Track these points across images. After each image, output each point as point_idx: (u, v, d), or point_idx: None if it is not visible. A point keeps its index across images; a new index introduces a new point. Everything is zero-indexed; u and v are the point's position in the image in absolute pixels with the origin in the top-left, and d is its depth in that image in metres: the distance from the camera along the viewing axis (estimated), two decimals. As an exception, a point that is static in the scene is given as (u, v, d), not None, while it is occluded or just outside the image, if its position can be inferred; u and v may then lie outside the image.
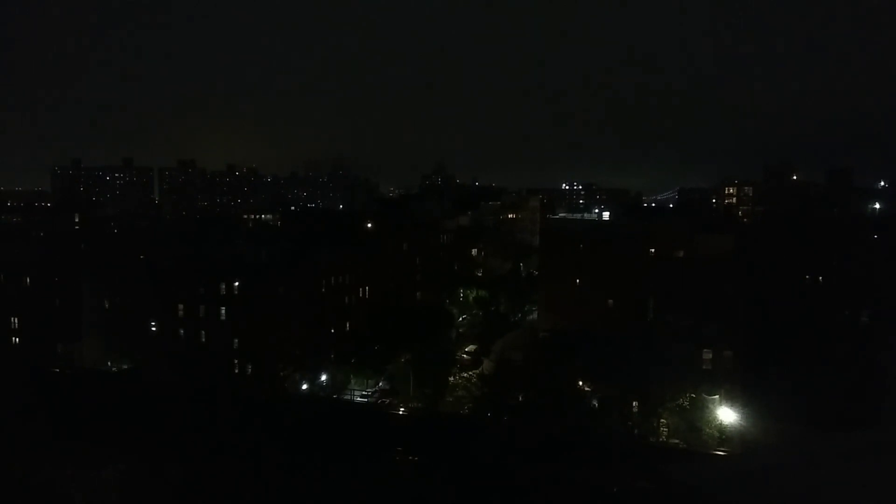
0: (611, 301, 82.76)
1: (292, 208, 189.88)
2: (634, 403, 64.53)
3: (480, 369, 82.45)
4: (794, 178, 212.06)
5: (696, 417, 62.60)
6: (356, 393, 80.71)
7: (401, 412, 69.23)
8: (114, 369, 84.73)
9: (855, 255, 73.24)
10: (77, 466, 57.94)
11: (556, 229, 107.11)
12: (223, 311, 78.33)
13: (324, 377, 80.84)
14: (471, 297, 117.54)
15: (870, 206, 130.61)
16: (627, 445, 58.77)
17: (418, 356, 76.93)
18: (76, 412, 66.71)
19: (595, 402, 66.48)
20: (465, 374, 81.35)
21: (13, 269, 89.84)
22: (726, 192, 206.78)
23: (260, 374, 74.89)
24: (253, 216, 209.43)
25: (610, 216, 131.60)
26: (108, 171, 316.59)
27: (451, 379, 78.68)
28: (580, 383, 68.55)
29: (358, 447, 60.63)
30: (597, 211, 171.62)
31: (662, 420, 64.28)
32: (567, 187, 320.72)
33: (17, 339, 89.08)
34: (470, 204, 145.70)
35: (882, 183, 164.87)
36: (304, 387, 78.92)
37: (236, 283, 78.39)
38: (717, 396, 65.30)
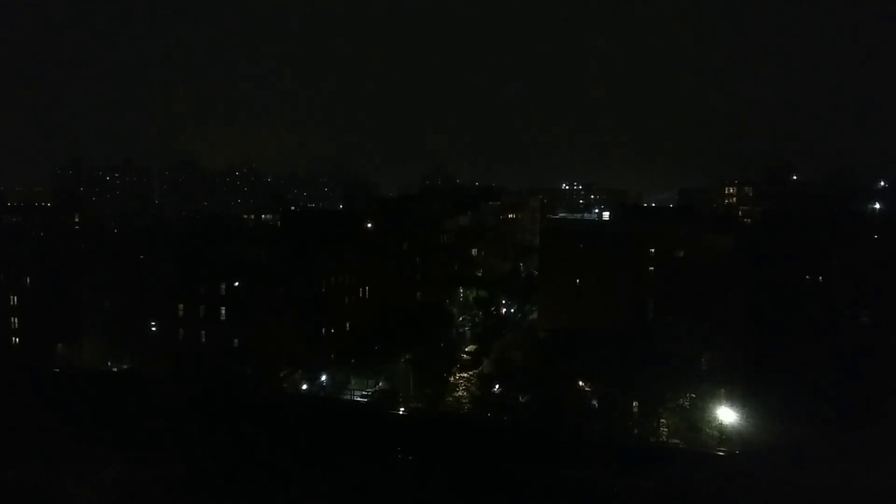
0: (611, 301, 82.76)
1: (292, 208, 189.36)
2: (634, 403, 64.58)
3: (480, 369, 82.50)
4: (794, 178, 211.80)
5: (696, 417, 62.62)
6: (356, 393, 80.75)
7: (401, 412, 69.26)
8: (114, 369, 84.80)
9: (855, 255, 73.19)
10: (77, 466, 58.01)
11: (556, 229, 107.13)
12: (223, 311, 78.38)
13: (324, 377, 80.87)
14: (471, 297, 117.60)
15: (870, 206, 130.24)
16: (627, 445, 58.87)
17: (418, 356, 76.94)
18: (76, 412, 66.77)
19: (595, 402, 66.51)
20: (465, 374, 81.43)
21: (13, 270, 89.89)
22: (726, 192, 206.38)
23: (260, 374, 74.86)
24: (253, 216, 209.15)
25: (610, 216, 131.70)
26: (108, 171, 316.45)
27: (451, 379, 78.72)
28: (580, 383, 68.58)
29: (358, 447, 60.67)
30: (597, 211, 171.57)
31: (662, 420, 64.31)
32: (567, 187, 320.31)
33: (17, 339, 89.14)
34: (470, 204, 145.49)
35: (882, 183, 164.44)
36: (304, 387, 78.97)
37: (236, 283, 78.40)
38: (717, 397, 65.34)
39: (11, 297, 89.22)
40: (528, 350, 78.17)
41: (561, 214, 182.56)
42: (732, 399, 64.20)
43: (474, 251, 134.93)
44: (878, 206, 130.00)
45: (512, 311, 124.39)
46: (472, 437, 61.57)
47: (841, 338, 67.35)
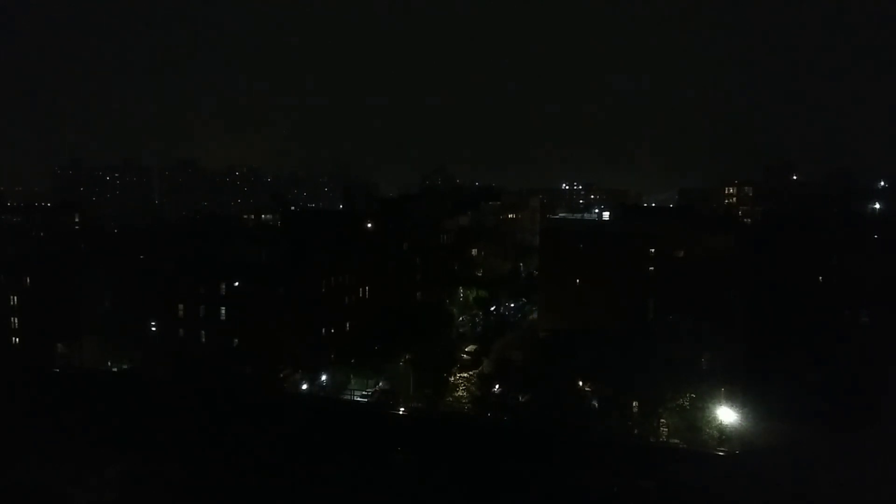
0: (611, 301, 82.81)
1: (292, 208, 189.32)
2: (634, 403, 64.54)
3: (480, 369, 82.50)
4: (794, 178, 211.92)
5: (696, 417, 62.61)
6: (356, 393, 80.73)
7: (401, 412, 69.26)
8: (114, 369, 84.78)
9: (855, 255, 73.18)
10: (77, 466, 58.02)
11: (556, 229, 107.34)
12: (223, 311, 78.30)
13: (324, 377, 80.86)
14: (471, 297, 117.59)
15: (870, 206, 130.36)
16: (627, 445, 58.85)
17: (418, 356, 76.93)
18: (76, 412, 66.78)
19: (595, 402, 66.48)
20: (465, 374, 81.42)
21: (13, 270, 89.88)
22: (726, 192, 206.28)
23: (260, 374, 74.89)
24: (253, 216, 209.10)
25: (610, 216, 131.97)
26: (108, 171, 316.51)
27: (451, 379, 78.71)
28: (580, 383, 68.56)
29: (358, 447, 60.65)
30: (597, 211, 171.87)
31: (662, 420, 64.28)
32: (567, 187, 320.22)
33: (17, 339, 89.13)
34: (470, 204, 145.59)
35: (882, 183, 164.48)
36: (304, 387, 78.96)
37: (236, 283, 78.37)
38: (717, 397, 65.32)
39: (11, 297, 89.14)
40: (528, 350, 78.16)
41: (561, 214, 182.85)
42: (732, 399, 64.17)
43: (474, 251, 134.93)
44: (878, 206, 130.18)
45: (512, 311, 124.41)
46: (472, 437, 61.54)
47: (841, 338, 67.30)
